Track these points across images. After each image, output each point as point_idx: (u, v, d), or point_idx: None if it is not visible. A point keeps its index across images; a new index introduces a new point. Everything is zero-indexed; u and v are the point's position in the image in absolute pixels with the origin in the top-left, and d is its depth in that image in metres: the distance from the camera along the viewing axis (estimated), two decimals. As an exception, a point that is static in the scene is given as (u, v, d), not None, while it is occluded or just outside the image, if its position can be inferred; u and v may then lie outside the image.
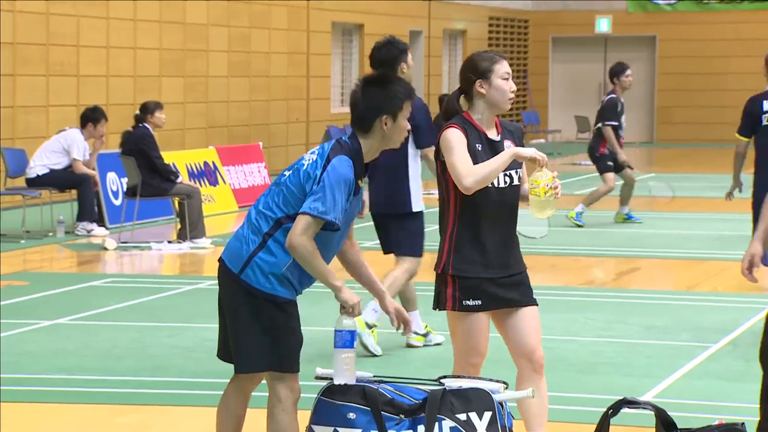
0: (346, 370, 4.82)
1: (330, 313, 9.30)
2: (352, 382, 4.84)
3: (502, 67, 5.27)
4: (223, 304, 4.93)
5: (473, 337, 5.32)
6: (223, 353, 5.01)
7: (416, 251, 8.04)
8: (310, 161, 4.78)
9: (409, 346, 8.26)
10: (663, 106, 30.43)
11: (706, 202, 16.55)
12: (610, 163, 14.21)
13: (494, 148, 5.23)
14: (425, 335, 8.30)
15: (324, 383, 5.19)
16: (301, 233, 4.71)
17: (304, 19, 22.15)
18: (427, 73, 26.44)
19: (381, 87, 4.84)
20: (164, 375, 7.42)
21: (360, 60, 23.98)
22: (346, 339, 4.79)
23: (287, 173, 4.85)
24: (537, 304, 5.34)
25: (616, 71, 14.31)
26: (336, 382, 4.85)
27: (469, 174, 5.11)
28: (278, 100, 21.61)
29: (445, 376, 5.21)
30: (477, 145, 5.22)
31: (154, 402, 6.86)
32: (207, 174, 16.55)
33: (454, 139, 5.19)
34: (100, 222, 14.10)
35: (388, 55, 7.81)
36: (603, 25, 30.17)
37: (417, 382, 5.15)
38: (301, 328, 4.90)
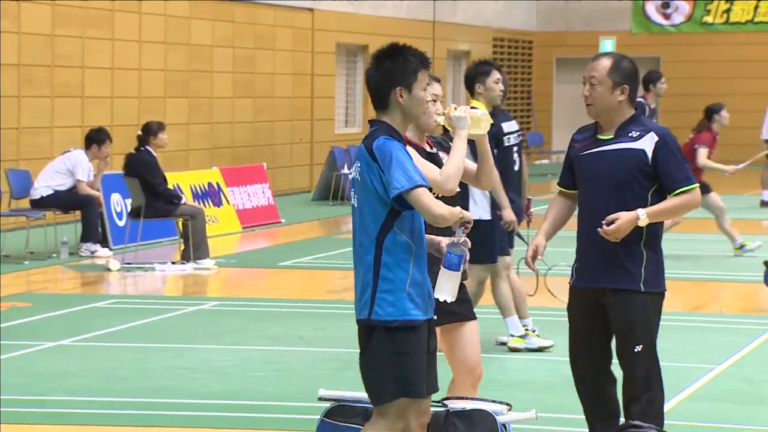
0: (449, 289, 4.73)
1: (334, 333, 9.31)
2: (451, 299, 4.76)
3: (431, 89, 5.34)
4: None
5: (466, 347, 5.40)
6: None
7: (484, 259, 8.12)
8: (358, 170, 4.64)
9: (512, 350, 8.47)
10: (667, 127, 30.41)
11: (712, 223, 16.53)
12: None
13: (433, 160, 5.37)
14: (523, 337, 8.50)
15: (327, 404, 5.18)
16: (432, 204, 4.49)
17: (309, 41, 22.21)
18: (432, 94, 26.48)
19: (392, 59, 4.67)
20: (167, 396, 7.41)
21: (364, 81, 24.03)
22: (452, 262, 4.72)
23: (354, 201, 4.69)
24: (476, 319, 5.48)
25: (653, 78, 14.28)
26: (435, 296, 4.76)
27: (445, 177, 5.20)
28: (282, 121, 21.64)
29: (448, 398, 5.21)
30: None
31: (157, 423, 6.84)
32: (211, 195, 16.55)
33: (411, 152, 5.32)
34: (104, 243, 14.10)
35: None
36: (607, 46, 30.19)
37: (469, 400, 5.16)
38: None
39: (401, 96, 4.66)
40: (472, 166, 5.34)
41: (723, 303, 10.98)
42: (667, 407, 7.07)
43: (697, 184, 5.21)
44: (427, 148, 5.42)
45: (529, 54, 31.40)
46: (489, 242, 8.13)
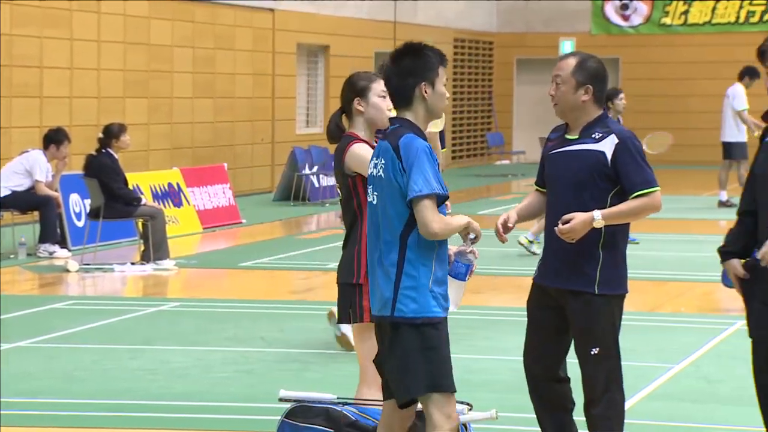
0: (454, 297, 4.77)
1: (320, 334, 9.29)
2: (455, 308, 4.80)
3: (379, 86, 5.48)
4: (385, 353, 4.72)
5: None
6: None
7: None
8: (382, 168, 4.63)
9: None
10: (627, 128, 30.60)
11: (669, 224, 16.64)
12: None
13: None
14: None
15: (288, 405, 5.18)
16: (431, 219, 4.52)
17: (269, 41, 22.17)
18: (392, 94, 26.49)
19: (414, 56, 4.72)
20: (127, 398, 7.37)
21: (325, 81, 24.02)
22: (459, 271, 4.77)
23: (373, 198, 4.66)
24: None
25: (610, 95, 14.34)
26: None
27: None
28: (243, 121, 21.58)
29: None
30: None
31: (116, 425, 6.80)
32: (171, 195, 16.48)
33: (367, 151, 5.39)
34: (63, 244, 14.01)
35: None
36: (567, 48, 30.34)
37: (381, 403, 5.15)
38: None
39: (426, 92, 4.69)
40: None
41: (681, 303, 11.07)
42: (625, 407, 7.13)
43: (658, 188, 5.22)
44: None
45: (490, 55, 31.50)
46: None
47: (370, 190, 4.73)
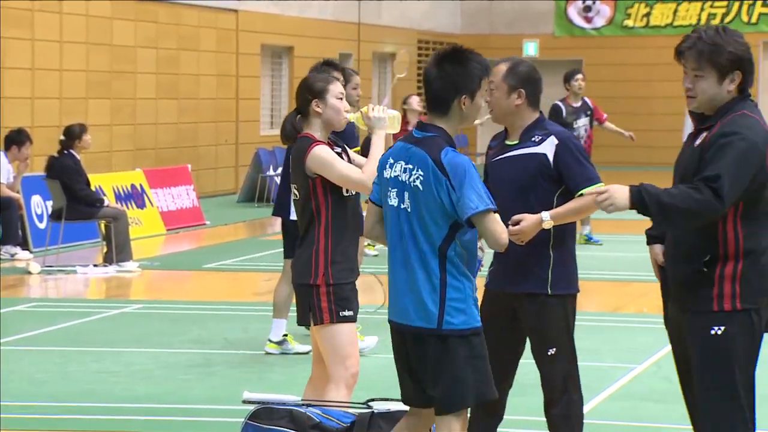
0: None
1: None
2: None
3: (337, 87, 5.50)
4: (419, 365, 4.62)
5: (352, 345, 5.42)
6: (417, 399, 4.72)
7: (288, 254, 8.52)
8: (420, 179, 4.51)
9: (268, 353, 8.55)
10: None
11: (632, 225, 16.75)
12: None
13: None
14: (280, 343, 8.59)
15: (251, 407, 5.17)
16: (501, 231, 4.49)
17: (233, 42, 22.11)
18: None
19: (458, 64, 4.55)
20: (89, 400, 7.33)
21: (290, 82, 23.98)
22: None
23: (404, 204, 4.54)
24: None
25: (567, 77, 14.45)
26: None
27: (369, 176, 5.27)
28: (207, 123, 21.52)
29: (372, 399, 5.22)
30: None
31: (79, 427, 6.76)
32: (134, 196, 16.41)
33: (329, 153, 5.39)
34: (24, 245, 13.91)
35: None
36: (530, 49, 30.48)
37: (344, 405, 5.16)
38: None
39: (464, 104, 4.58)
40: (361, 160, 5.52)
41: (644, 303, 11.14)
42: (588, 407, 7.17)
43: (602, 183, 5.24)
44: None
45: (454, 56, 31.57)
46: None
47: (392, 193, 4.58)
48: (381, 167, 4.68)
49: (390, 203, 4.62)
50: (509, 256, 5.21)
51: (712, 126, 4.53)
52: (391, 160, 4.61)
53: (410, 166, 4.55)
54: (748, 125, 4.45)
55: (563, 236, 5.29)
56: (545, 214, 5.16)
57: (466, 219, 4.49)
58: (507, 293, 5.31)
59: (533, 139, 5.27)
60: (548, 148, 5.24)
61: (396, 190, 4.59)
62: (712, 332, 4.49)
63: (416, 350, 4.61)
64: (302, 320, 5.50)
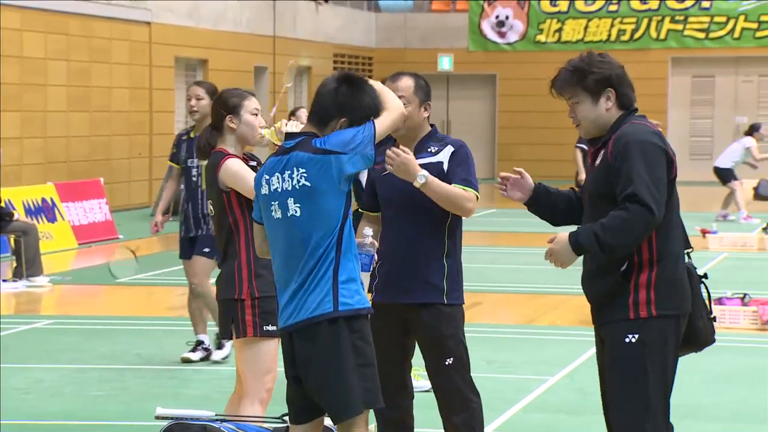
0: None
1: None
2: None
3: (252, 103, 5.51)
4: (311, 364, 4.52)
5: (272, 361, 5.41)
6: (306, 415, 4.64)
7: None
8: (303, 176, 4.47)
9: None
10: (504, 143, 31.08)
11: (544, 238, 16.93)
12: None
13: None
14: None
15: (165, 423, 5.12)
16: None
17: (146, 54, 21.92)
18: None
19: (354, 90, 4.57)
20: (-2, 418, 7.19)
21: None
22: (364, 263, 4.84)
23: (295, 211, 4.48)
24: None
25: None
26: None
27: None
28: (120, 135, 21.30)
29: (287, 414, 5.19)
30: None
31: (-13, 447, 6.63)
32: (45, 210, 16.17)
33: (241, 166, 5.40)
34: (-68, 260, 13.64)
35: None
36: (445, 63, 30.69)
37: (259, 419, 5.13)
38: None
39: (340, 127, 4.56)
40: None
41: (557, 315, 11.25)
42: (502, 419, 7.22)
43: (475, 194, 5.25)
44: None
45: (370, 70, 31.66)
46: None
47: (274, 207, 4.54)
48: (257, 186, 4.63)
49: (275, 217, 4.56)
50: (402, 268, 5.21)
51: (606, 141, 4.63)
52: (267, 176, 4.58)
53: (289, 171, 4.52)
54: (637, 131, 4.57)
55: (455, 247, 5.33)
56: (423, 173, 5.13)
57: (357, 162, 4.46)
58: (401, 305, 5.28)
59: (429, 150, 5.31)
60: (445, 156, 5.30)
61: (277, 202, 4.55)
62: (627, 340, 4.53)
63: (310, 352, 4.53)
64: (224, 333, 5.46)
